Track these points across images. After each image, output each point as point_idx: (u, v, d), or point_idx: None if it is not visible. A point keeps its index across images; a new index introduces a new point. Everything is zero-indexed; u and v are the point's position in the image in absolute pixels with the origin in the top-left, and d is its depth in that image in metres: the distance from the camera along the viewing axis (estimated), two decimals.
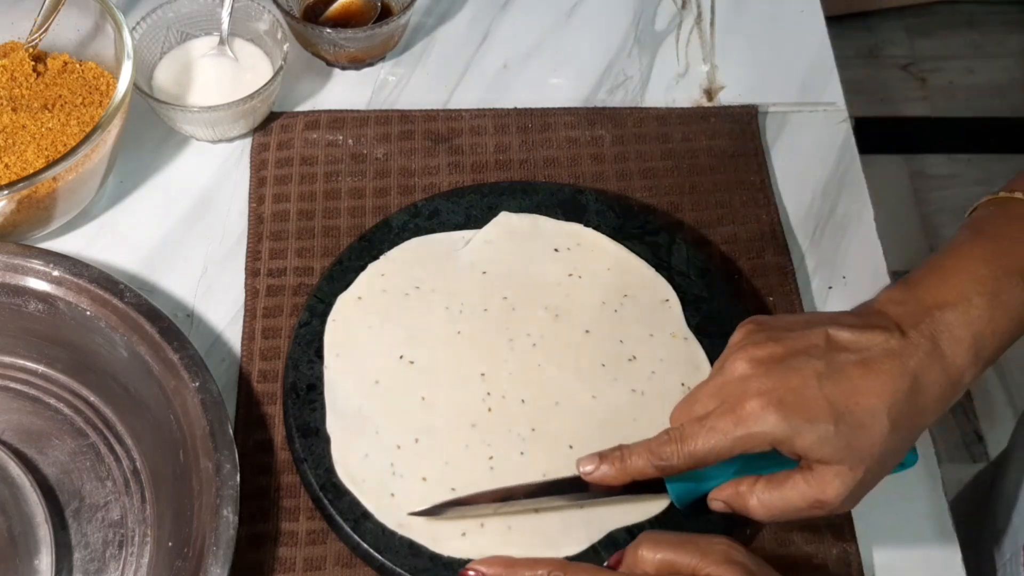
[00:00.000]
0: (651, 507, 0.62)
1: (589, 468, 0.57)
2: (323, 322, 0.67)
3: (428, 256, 0.70)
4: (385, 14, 0.81)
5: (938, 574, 0.64)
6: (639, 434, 0.63)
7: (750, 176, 0.77)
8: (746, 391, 0.52)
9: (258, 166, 0.76)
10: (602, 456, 0.57)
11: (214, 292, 0.72)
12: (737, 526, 0.62)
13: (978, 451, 1.61)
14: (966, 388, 0.53)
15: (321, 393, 0.65)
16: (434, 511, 0.60)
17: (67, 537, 0.63)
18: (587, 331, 0.68)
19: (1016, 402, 1.65)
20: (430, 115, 0.79)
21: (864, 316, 0.54)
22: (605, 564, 0.55)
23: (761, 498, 0.54)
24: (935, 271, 0.55)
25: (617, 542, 0.60)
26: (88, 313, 0.64)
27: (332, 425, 0.64)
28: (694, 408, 0.55)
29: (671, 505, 0.61)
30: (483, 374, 0.66)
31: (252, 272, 0.72)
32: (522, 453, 0.63)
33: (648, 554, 0.53)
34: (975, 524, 0.81)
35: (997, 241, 0.55)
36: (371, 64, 0.82)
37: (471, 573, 0.57)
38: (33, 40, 0.74)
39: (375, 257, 0.70)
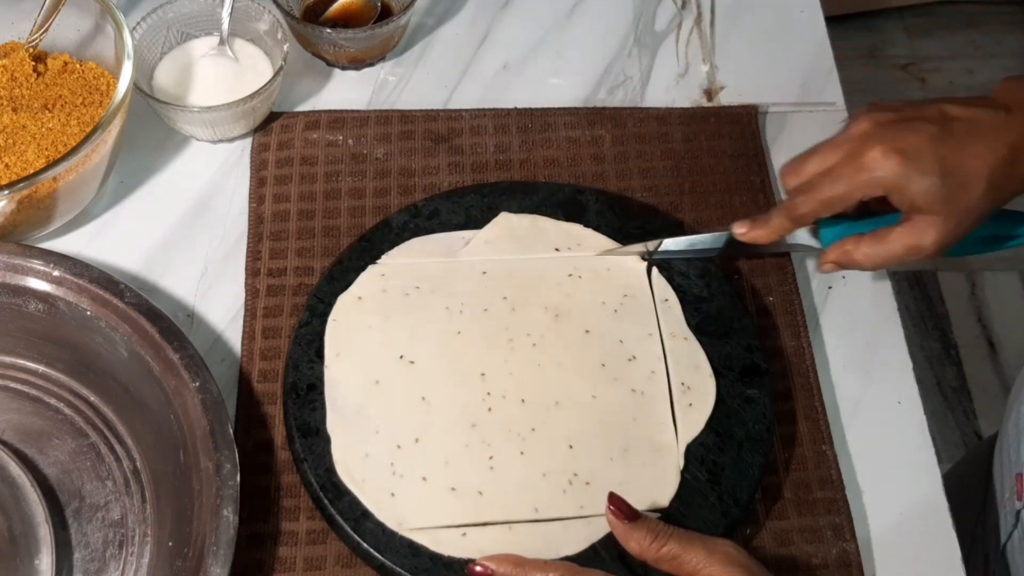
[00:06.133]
0: (651, 511, 0.62)
1: (743, 230, 0.68)
2: (323, 322, 0.68)
3: (428, 256, 0.70)
4: (385, 14, 0.81)
5: (938, 573, 0.64)
6: (639, 434, 0.64)
7: (750, 176, 0.77)
8: (869, 143, 0.61)
9: (258, 166, 0.76)
10: (752, 220, 0.67)
11: (214, 292, 0.72)
12: (737, 526, 0.63)
13: None
14: None
15: (321, 393, 0.65)
16: None
17: (67, 537, 0.63)
18: (587, 331, 0.68)
19: None
20: (430, 115, 0.79)
21: (974, 98, 0.63)
22: (612, 507, 0.58)
23: (865, 251, 0.64)
24: None
25: (617, 541, 0.60)
26: (88, 313, 0.64)
27: (332, 425, 0.64)
28: (808, 164, 0.64)
29: (670, 507, 0.62)
30: (483, 374, 0.66)
31: (252, 272, 0.72)
32: (522, 453, 0.63)
33: (656, 543, 0.56)
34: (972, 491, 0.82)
35: None
36: (371, 64, 0.82)
37: (479, 569, 0.57)
38: (33, 40, 0.74)
39: (375, 257, 0.70)
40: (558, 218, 0.72)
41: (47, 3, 0.73)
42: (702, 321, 0.69)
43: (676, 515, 0.61)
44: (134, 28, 0.74)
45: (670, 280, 0.70)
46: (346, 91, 0.81)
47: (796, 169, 0.65)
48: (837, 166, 0.62)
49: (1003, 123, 0.61)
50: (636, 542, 0.57)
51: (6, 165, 0.69)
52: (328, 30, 0.77)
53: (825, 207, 0.63)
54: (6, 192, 0.65)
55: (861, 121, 0.63)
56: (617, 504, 0.58)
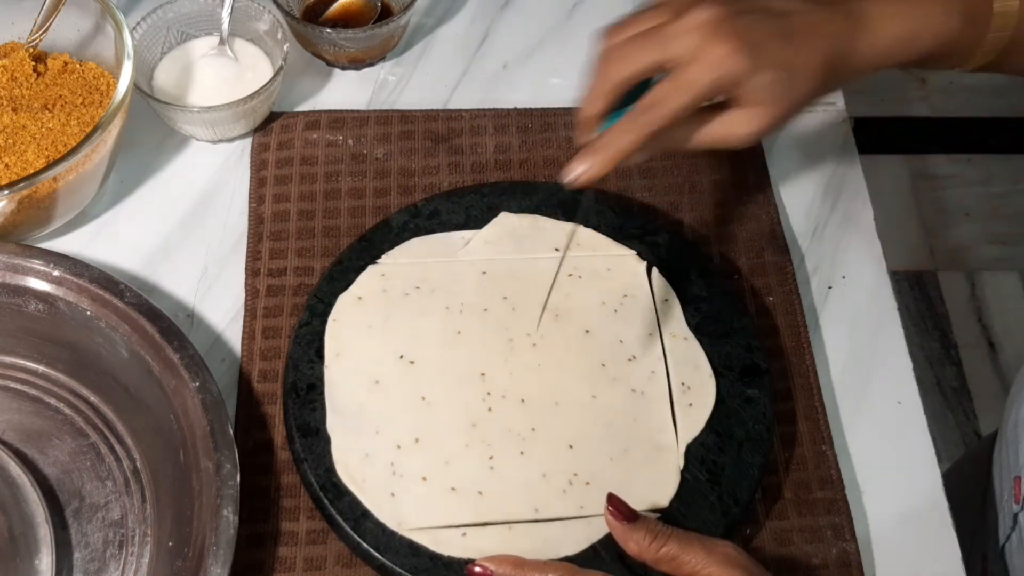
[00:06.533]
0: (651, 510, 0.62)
1: (575, 173, 0.56)
2: (323, 322, 0.68)
3: (428, 256, 0.70)
4: (385, 14, 0.81)
5: (938, 573, 0.64)
6: (639, 434, 0.64)
7: (750, 176, 0.77)
8: (720, 36, 0.55)
9: (258, 166, 0.76)
10: (580, 157, 0.56)
11: (214, 292, 0.72)
12: (737, 526, 0.63)
13: None
14: (866, 75, 0.60)
15: (321, 393, 0.65)
16: None
17: (67, 537, 0.63)
18: (587, 331, 0.68)
19: None
20: (430, 115, 0.79)
21: None
22: (611, 508, 0.58)
23: (677, 131, 0.57)
24: None
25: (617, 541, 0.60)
26: (88, 313, 0.64)
27: (332, 425, 0.64)
28: (639, 52, 0.56)
29: (670, 507, 0.62)
30: (483, 374, 0.66)
31: (252, 272, 0.72)
32: (522, 453, 0.63)
33: (655, 544, 0.56)
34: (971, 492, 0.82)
35: None
36: (371, 64, 0.83)
37: (478, 570, 0.57)
38: (33, 40, 0.74)
39: (375, 257, 0.70)
40: (558, 218, 0.72)
41: (47, 3, 0.73)
42: (702, 321, 0.69)
43: (676, 515, 0.61)
44: (134, 28, 0.74)
45: (670, 280, 0.70)
46: (346, 91, 0.81)
47: (621, 48, 0.56)
48: (684, 69, 0.55)
49: (835, 18, 0.58)
50: (635, 543, 0.57)
51: (6, 165, 0.69)
52: (328, 30, 0.77)
53: (682, 112, 0.56)
54: (6, 192, 0.65)
55: (704, 7, 0.55)
56: (616, 505, 0.58)
